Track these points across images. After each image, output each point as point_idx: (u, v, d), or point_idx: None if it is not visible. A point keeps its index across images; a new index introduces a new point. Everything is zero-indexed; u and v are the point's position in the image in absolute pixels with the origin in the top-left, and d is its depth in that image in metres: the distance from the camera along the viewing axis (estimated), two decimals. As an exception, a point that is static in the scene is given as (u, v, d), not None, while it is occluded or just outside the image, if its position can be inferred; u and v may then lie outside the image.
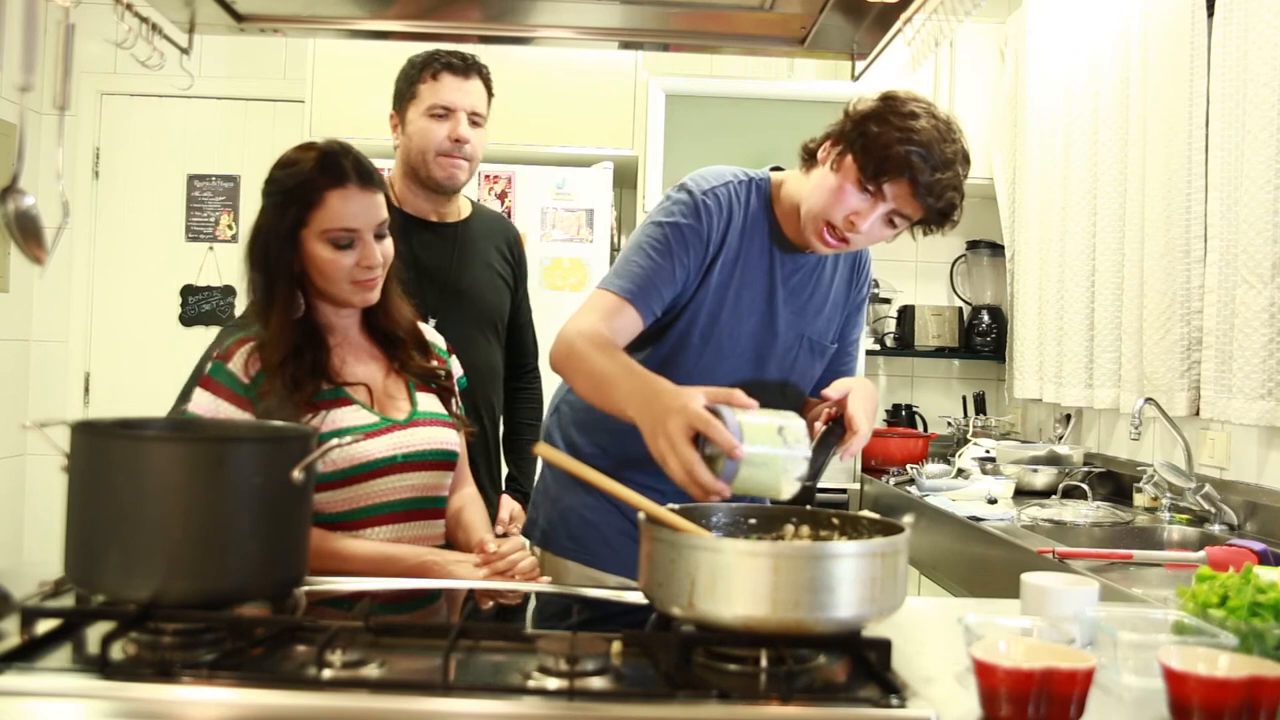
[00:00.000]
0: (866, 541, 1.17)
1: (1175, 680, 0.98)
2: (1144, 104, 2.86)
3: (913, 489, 3.18)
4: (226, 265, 4.20)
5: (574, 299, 3.51)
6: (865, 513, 1.27)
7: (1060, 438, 3.43)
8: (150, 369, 4.02)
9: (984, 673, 0.99)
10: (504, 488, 2.34)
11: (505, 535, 1.94)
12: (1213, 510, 2.51)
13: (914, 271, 4.21)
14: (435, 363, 1.74)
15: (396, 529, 1.60)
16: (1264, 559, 1.93)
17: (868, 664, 1.08)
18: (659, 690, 1.02)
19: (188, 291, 4.20)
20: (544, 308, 3.53)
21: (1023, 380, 3.63)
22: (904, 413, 4.11)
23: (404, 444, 1.61)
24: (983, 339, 4.03)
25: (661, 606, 1.13)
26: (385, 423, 1.61)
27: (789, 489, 1.29)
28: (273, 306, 1.58)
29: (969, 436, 3.73)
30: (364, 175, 1.59)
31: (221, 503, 1.14)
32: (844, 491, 3.57)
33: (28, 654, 1.05)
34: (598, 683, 1.02)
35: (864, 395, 1.59)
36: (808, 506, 1.34)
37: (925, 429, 4.04)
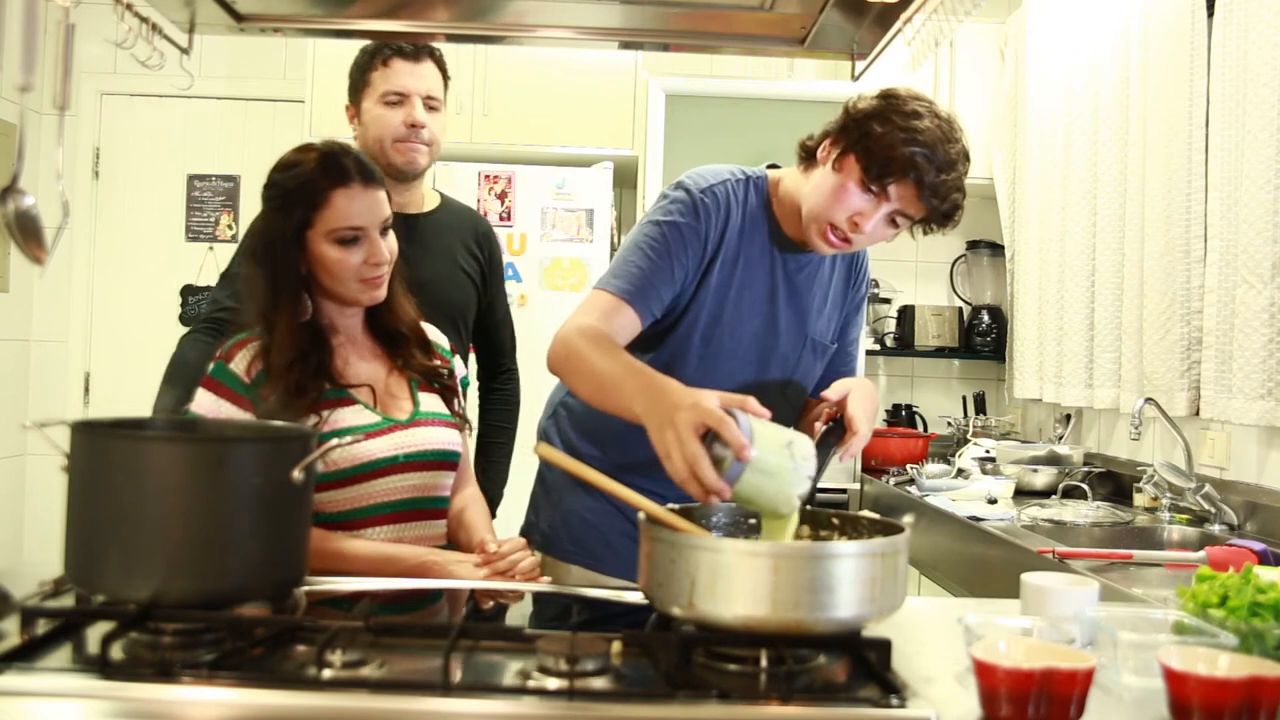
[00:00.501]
0: (866, 541, 1.17)
1: (1175, 680, 0.98)
2: (1144, 104, 2.86)
3: (913, 489, 3.18)
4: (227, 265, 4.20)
5: (574, 299, 3.49)
6: (865, 513, 1.27)
7: (1060, 438, 3.43)
8: (150, 369, 4.00)
9: (984, 673, 0.99)
10: None
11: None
12: (1213, 510, 2.51)
13: (914, 271, 4.21)
14: (438, 362, 1.74)
15: (397, 529, 1.60)
16: (1264, 559, 1.93)
17: (868, 664, 1.08)
18: (659, 690, 1.02)
19: (188, 291, 4.20)
20: (544, 308, 3.55)
21: (1023, 380, 3.63)
22: (904, 413, 4.11)
23: (406, 444, 1.61)
24: (983, 339, 4.03)
25: (661, 606, 1.12)
26: (387, 422, 1.61)
27: (789, 505, 1.27)
28: (279, 310, 1.57)
29: (969, 436, 3.73)
30: (366, 173, 1.60)
31: (221, 503, 1.14)
32: (844, 491, 3.57)
33: (28, 654, 1.05)
34: (598, 683, 1.02)
35: (864, 395, 1.59)
36: (808, 506, 1.34)
37: (925, 429, 4.04)
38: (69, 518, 1.15)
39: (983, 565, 2.52)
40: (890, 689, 1.01)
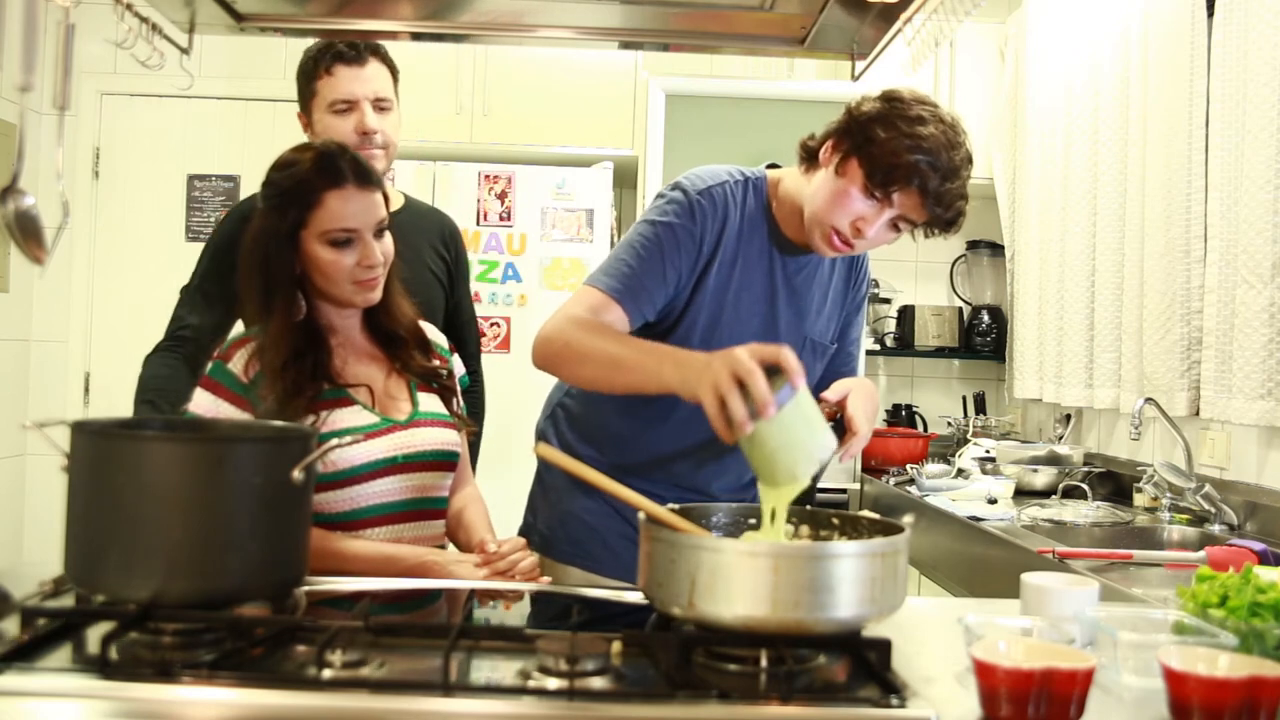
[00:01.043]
0: (866, 541, 1.17)
1: (1175, 680, 0.98)
2: (1144, 104, 2.86)
3: (913, 489, 3.18)
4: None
5: (574, 299, 3.52)
6: (865, 513, 1.27)
7: (1060, 438, 3.43)
8: (150, 369, 4.01)
9: (984, 673, 0.99)
10: None
11: None
12: (1213, 510, 2.51)
13: (914, 271, 4.21)
14: (437, 362, 1.74)
15: (396, 529, 1.60)
16: (1264, 559, 1.93)
17: (868, 664, 1.08)
18: (659, 690, 1.02)
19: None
20: (544, 308, 3.54)
21: (1023, 380, 3.63)
22: (904, 413, 4.11)
23: (405, 444, 1.61)
24: (983, 339, 4.03)
25: (661, 606, 1.13)
26: (386, 423, 1.61)
27: (790, 476, 1.29)
28: (273, 310, 1.57)
29: (969, 436, 3.73)
30: (361, 175, 1.59)
31: (221, 503, 1.14)
32: (844, 491, 3.57)
33: (28, 654, 1.05)
34: (598, 683, 1.02)
35: (864, 396, 1.59)
36: (808, 506, 1.34)
37: (925, 429, 4.04)
38: (69, 518, 1.15)
39: (983, 565, 2.52)
40: (890, 689, 1.01)
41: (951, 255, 4.17)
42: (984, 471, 3.26)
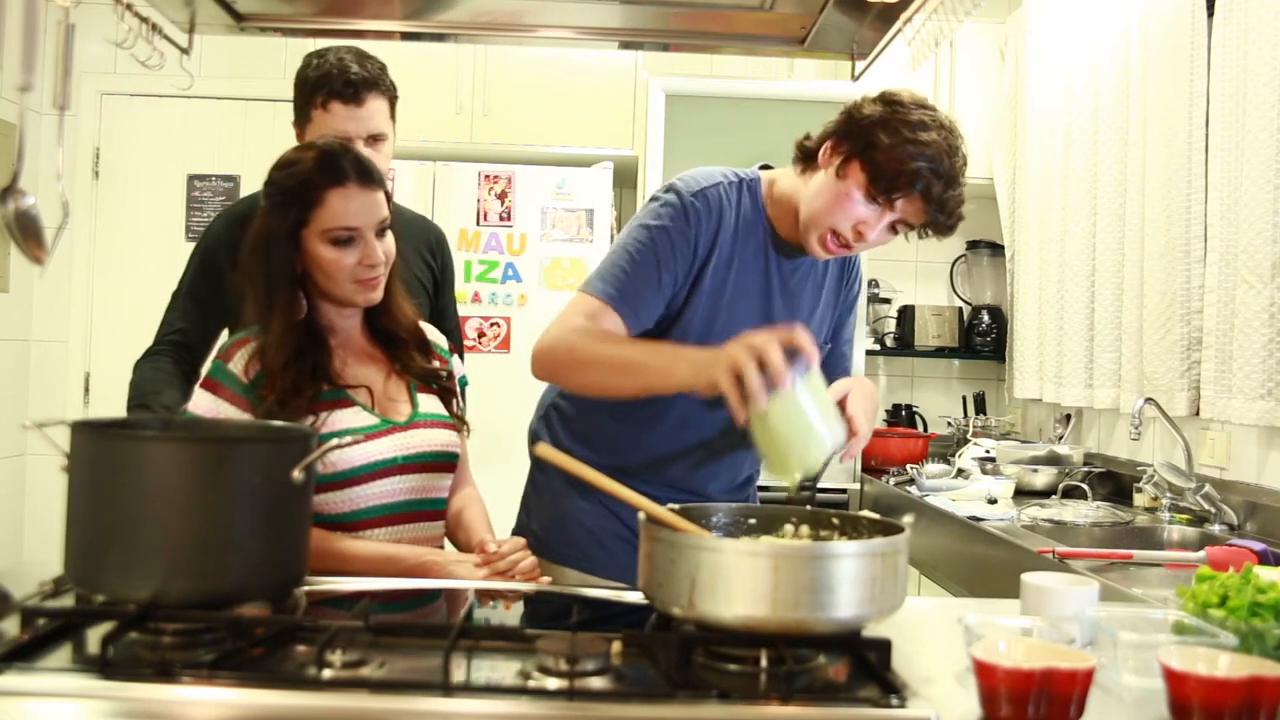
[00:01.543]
0: (866, 541, 1.17)
1: (1175, 680, 0.98)
2: (1144, 104, 2.86)
3: (913, 489, 3.18)
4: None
5: (574, 299, 3.52)
6: (865, 513, 1.27)
7: (1060, 438, 3.43)
8: (150, 369, 4.01)
9: (984, 673, 0.99)
10: None
11: None
12: (1213, 510, 2.51)
13: (914, 271, 4.21)
14: (437, 363, 1.74)
15: (396, 530, 1.60)
16: (1264, 559, 1.93)
17: (868, 664, 1.08)
18: (659, 690, 1.02)
19: (187, 292, 4.19)
20: (544, 308, 3.55)
21: (1023, 380, 3.63)
22: (904, 413, 4.11)
23: (404, 446, 1.61)
24: (983, 339, 4.03)
25: (661, 606, 1.13)
26: (386, 424, 1.61)
27: (816, 454, 1.33)
28: (274, 309, 1.57)
29: (969, 436, 3.73)
30: (363, 174, 1.59)
31: (221, 503, 1.14)
32: (844, 491, 3.57)
33: (28, 654, 1.05)
34: (598, 683, 1.02)
35: (864, 396, 1.59)
36: (808, 506, 1.34)
37: (925, 429, 4.04)
38: (69, 518, 1.15)
39: (983, 565, 2.52)
40: (890, 689, 1.01)
41: (951, 255, 4.17)
42: (984, 471, 3.26)
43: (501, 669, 1.07)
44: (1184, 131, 2.65)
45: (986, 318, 4.04)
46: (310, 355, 1.57)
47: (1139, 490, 2.84)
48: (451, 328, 2.26)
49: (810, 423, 1.35)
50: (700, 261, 1.67)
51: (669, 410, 1.68)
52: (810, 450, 1.34)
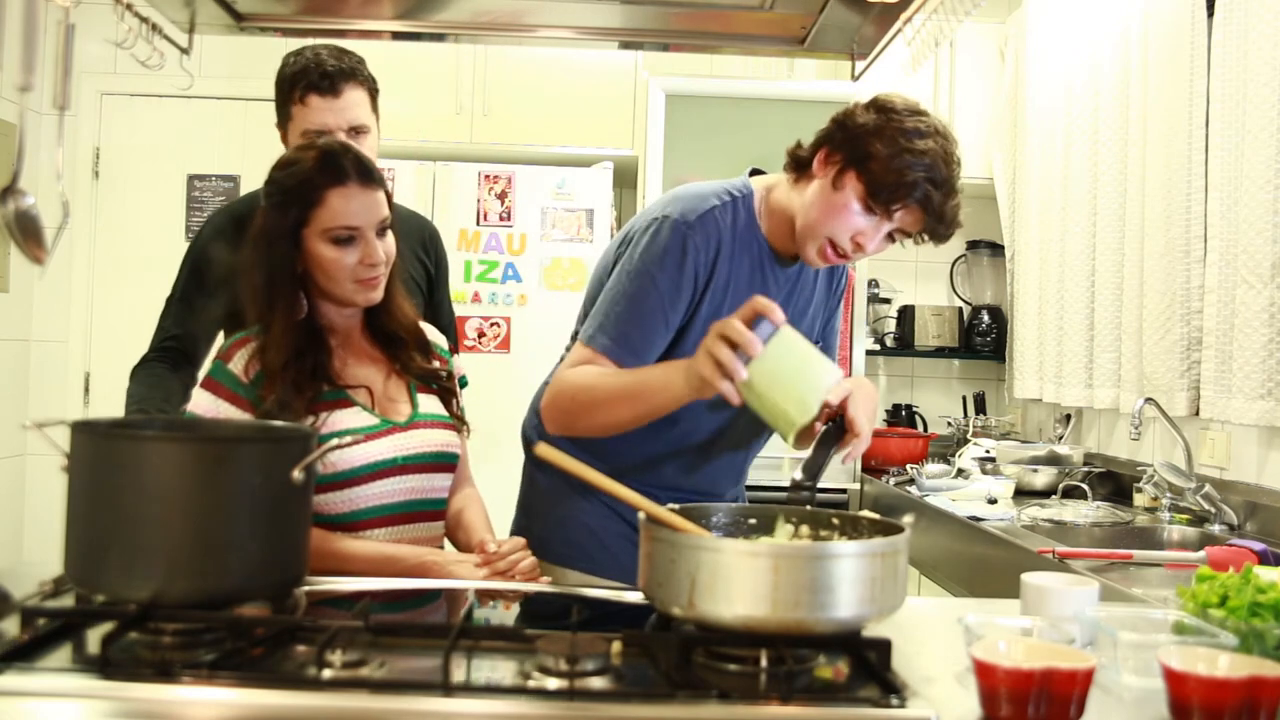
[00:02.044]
0: (866, 541, 1.17)
1: (1175, 680, 0.98)
2: (1144, 104, 2.86)
3: (913, 489, 3.18)
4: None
5: (574, 299, 3.49)
6: (865, 513, 1.27)
7: (1060, 438, 3.43)
8: (150, 369, 4.01)
9: (984, 673, 0.99)
10: None
11: None
12: (1213, 510, 2.51)
13: (914, 271, 4.21)
14: (437, 363, 1.74)
15: (396, 530, 1.60)
16: (1264, 559, 1.93)
17: (868, 664, 1.08)
18: (659, 690, 1.02)
19: (187, 291, 4.19)
20: (544, 308, 3.55)
21: (1023, 380, 3.63)
22: (904, 413, 4.11)
23: (404, 446, 1.61)
24: (983, 339, 4.03)
25: (661, 606, 1.12)
26: (386, 425, 1.61)
27: (813, 397, 1.40)
28: (274, 309, 1.57)
29: (969, 436, 3.73)
30: (364, 173, 1.59)
31: (221, 503, 1.14)
32: (844, 491, 3.57)
33: (28, 654, 1.05)
34: (598, 683, 1.02)
35: (864, 396, 1.59)
36: (808, 507, 1.34)
37: (925, 429, 4.04)
38: (69, 518, 1.15)
39: (983, 565, 2.52)
40: (890, 689, 1.01)
41: (951, 255, 4.17)
42: (984, 471, 3.26)
43: (501, 669, 1.07)
44: (1184, 131, 2.65)
45: (986, 318, 4.04)
46: (310, 355, 1.57)
47: (1139, 490, 2.84)
48: (447, 324, 2.26)
49: (792, 369, 1.42)
50: (700, 289, 1.66)
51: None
52: (807, 397, 1.41)
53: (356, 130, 1.99)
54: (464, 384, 1.81)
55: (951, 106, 3.83)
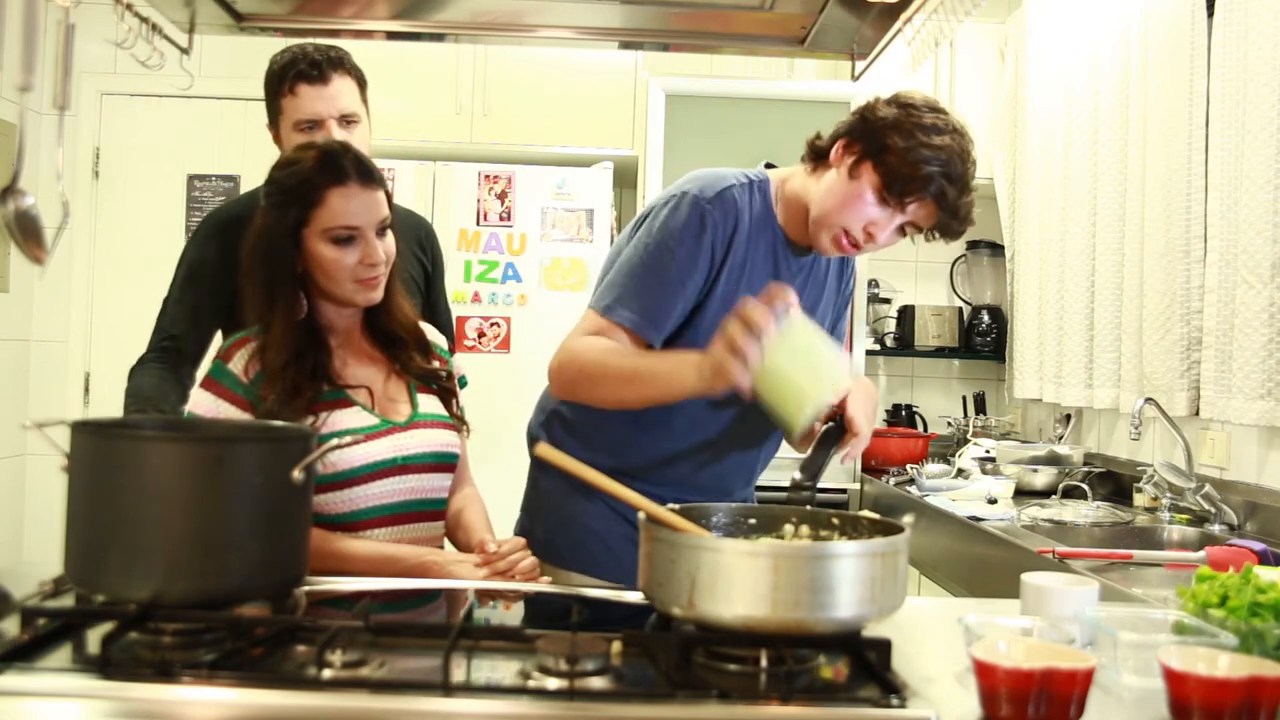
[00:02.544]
0: (866, 541, 1.17)
1: (1175, 680, 0.98)
2: (1144, 104, 2.86)
3: (913, 489, 3.18)
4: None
5: (574, 299, 3.52)
6: (865, 513, 1.27)
7: (1060, 438, 3.43)
8: (150, 369, 4.01)
9: (984, 673, 0.99)
10: None
11: None
12: (1213, 510, 2.51)
13: (914, 271, 4.21)
14: (437, 363, 1.74)
15: (396, 530, 1.60)
16: (1264, 559, 1.93)
17: (868, 664, 1.08)
18: (659, 690, 1.02)
19: (188, 291, 4.19)
20: (544, 308, 3.55)
21: (1023, 380, 3.63)
22: (904, 413, 4.11)
23: (404, 446, 1.61)
24: (983, 339, 4.03)
25: (661, 606, 1.13)
26: (385, 425, 1.61)
27: (828, 382, 1.41)
28: (274, 308, 1.57)
29: (969, 436, 3.73)
30: (364, 173, 1.59)
31: (221, 503, 1.14)
32: (844, 491, 3.57)
33: (28, 654, 1.05)
34: (598, 683, 1.02)
35: (864, 396, 1.59)
36: (808, 507, 1.34)
37: (925, 429, 4.04)
38: (69, 518, 1.15)
39: (983, 565, 2.52)
40: (890, 689, 1.01)
41: (951, 255, 4.17)
42: (984, 471, 3.26)
43: (501, 669, 1.07)
44: (1184, 131, 2.65)
45: (986, 318, 4.04)
46: (310, 355, 1.57)
47: (1139, 490, 2.84)
48: (444, 322, 2.26)
49: (809, 348, 1.44)
50: (717, 266, 1.66)
51: (675, 410, 1.68)
52: (818, 373, 1.42)
53: (347, 120, 1.99)
54: (464, 384, 1.81)
55: (951, 107, 3.80)
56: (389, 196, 1.65)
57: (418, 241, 2.19)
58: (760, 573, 1.04)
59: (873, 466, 3.71)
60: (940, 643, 1.25)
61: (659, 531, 1.13)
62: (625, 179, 3.94)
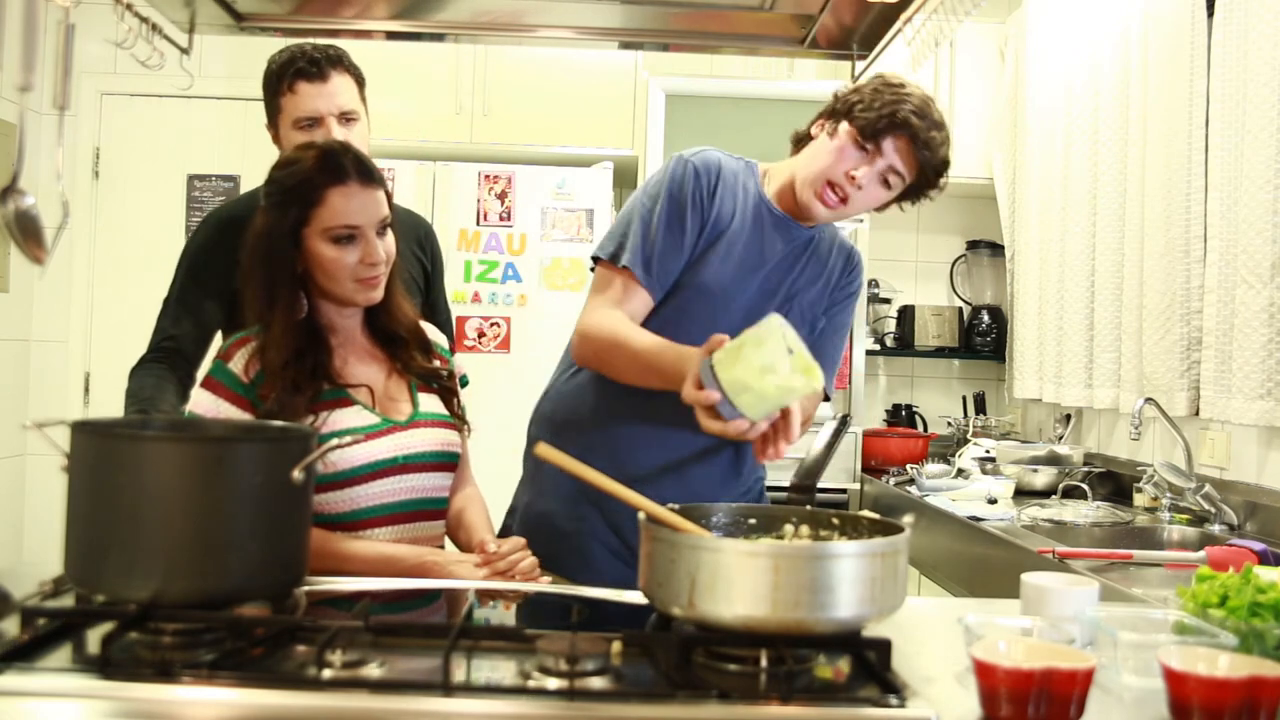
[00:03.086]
0: (866, 541, 1.17)
1: (1175, 680, 0.98)
2: (1144, 104, 2.86)
3: (913, 489, 3.18)
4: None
5: (574, 299, 3.52)
6: (865, 513, 1.27)
7: (1060, 438, 3.43)
8: (150, 369, 4.01)
9: (984, 673, 0.99)
10: None
11: None
12: (1213, 510, 2.51)
13: (914, 271, 4.21)
14: (438, 363, 1.74)
15: (397, 530, 1.60)
16: (1264, 559, 1.93)
17: (868, 664, 1.08)
18: (659, 690, 1.02)
19: (188, 291, 4.19)
20: (544, 308, 3.55)
21: (1023, 380, 3.63)
22: (904, 413, 4.11)
23: (405, 446, 1.61)
24: (983, 339, 4.03)
25: (661, 606, 1.13)
26: (386, 424, 1.61)
27: (790, 381, 1.38)
28: (275, 308, 1.57)
29: (969, 436, 3.73)
30: (364, 172, 1.59)
31: (221, 503, 1.14)
32: (844, 491, 3.57)
33: (28, 654, 1.05)
34: (598, 683, 1.02)
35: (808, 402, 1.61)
36: (808, 507, 1.34)
37: (925, 429, 4.04)
38: (69, 518, 1.15)
39: (983, 565, 2.52)
40: (890, 689, 1.01)
41: (951, 255, 4.17)
42: (984, 471, 3.26)
43: (501, 669, 1.07)
44: (1184, 131, 2.65)
45: (986, 318, 4.04)
46: (310, 355, 1.57)
47: (1139, 490, 2.84)
48: (444, 321, 2.27)
49: (754, 400, 1.41)
50: (713, 220, 1.74)
51: (662, 416, 1.69)
52: (778, 376, 1.40)
53: (347, 117, 2.00)
54: (465, 383, 1.81)
55: (951, 106, 3.83)
56: (389, 196, 1.65)
57: (417, 241, 2.19)
58: (760, 573, 1.04)
59: (873, 466, 3.70)
60: (940, 643, 1.25)
61: (659, 531, 1.13)
62: (625, 179, 3.94)
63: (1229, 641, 1.10)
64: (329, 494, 1.55)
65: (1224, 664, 1.00)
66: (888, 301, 4.16)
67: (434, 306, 2.22)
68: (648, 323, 1.73)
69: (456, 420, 1.72)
